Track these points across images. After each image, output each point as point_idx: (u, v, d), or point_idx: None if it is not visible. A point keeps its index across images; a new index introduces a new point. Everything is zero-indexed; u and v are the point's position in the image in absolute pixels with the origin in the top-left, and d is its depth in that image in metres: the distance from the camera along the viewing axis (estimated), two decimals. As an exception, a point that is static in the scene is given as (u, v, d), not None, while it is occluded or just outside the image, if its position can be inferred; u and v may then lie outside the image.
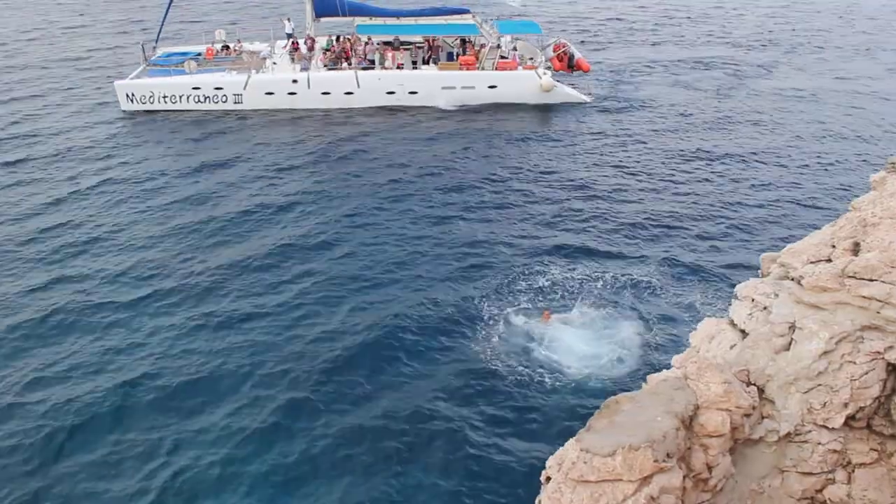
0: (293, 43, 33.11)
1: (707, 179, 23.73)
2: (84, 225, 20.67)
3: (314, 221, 20.88)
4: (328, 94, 30.70)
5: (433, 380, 14.26)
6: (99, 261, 18.72)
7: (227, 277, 17.93)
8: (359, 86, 30.60)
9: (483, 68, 31.19)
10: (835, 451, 6.11)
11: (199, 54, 32.73)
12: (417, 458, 12.39)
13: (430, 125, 29.14)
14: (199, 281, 17.72)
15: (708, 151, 26.13)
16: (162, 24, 32.35)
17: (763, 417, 6.21)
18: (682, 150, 26.27)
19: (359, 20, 33.37)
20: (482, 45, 32.03)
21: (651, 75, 35.72)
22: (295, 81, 30.47)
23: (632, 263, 18.33)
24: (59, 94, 32.44)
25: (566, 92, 31.48)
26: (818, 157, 25.67)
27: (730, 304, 7.67)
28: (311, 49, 32.85)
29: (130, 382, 14.09)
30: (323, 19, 34.20)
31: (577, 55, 33.37)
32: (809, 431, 6.10)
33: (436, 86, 30.88)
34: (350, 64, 31.35)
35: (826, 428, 6.12)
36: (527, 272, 17.87)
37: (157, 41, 32.55)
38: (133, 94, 30.34)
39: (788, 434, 6.11)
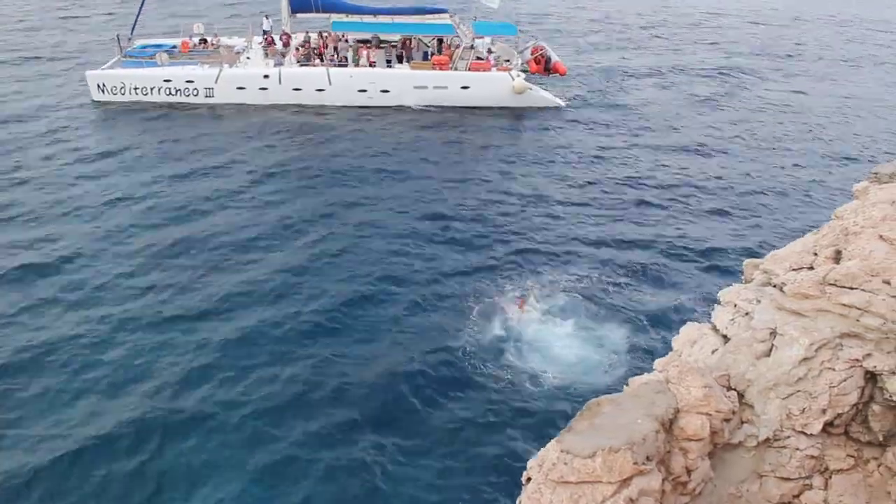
0: (267, 38, 32.92)
1: (689, 185, 23.86)
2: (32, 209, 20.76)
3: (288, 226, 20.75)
4: (299, 90, 30.56)
5: (411, 380, 14.24)
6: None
7: (184, 270, 17.98)
8: (330, 83, 30.45)
9: (456, 68, 30.99)
10: (812, 457, 6.16)
11: (175, 47, 32.56)
12: (397, 458, 12.38)
13: (400, 125, 28.91)
14: (174, 276, 17.66)
15: (689, 157, 26.30)
16: (137, 16, 32.05)
17: (742, 422, 6.26)
18: (662, 156, 26.37)
19: (335, 17, 33.05)
20: (457, 46, 31.82)
21: (634, 80, 35.62)
22: (266, 77, 30.35)
23: (614, 268, 18.42)
24: (33, 82, 32.07)
25: (540, 95, 31.22)
26: (802, 165, 25.94)
27: (712, 310, 7.73)
28: (286, 45, 32.67)
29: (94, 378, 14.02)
30: (299, 15, 33.79)
31: (555, 58, 33.18)
32: (788, 437, 6.15)
33: (408, 85, 30.70)
34: (322, 61, 31.10)
35: (804, 434, 6.17)
36: (509, 275, 17.92)
37: (132, 32, 32.22)
38: (104, 85, 30.18)
39: (767, 439, 6.16)
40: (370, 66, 31.28)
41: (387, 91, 30.69)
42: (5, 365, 14.25)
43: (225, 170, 24.06)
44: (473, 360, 14.70)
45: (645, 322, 15.96)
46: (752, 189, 23.66)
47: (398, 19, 33.37)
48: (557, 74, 32.97)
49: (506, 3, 48.80)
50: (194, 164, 24.38)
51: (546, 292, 17.03)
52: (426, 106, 30.57)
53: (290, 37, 33.33)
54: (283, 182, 23.33)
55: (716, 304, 7.63)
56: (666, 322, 15.89)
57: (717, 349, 6.94)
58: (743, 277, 8.21)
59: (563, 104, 31.29)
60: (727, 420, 5.96)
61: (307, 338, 15.37)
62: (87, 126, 27.75)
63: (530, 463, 5.71)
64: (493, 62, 31.57)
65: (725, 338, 7.03)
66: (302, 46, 32.18)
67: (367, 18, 33.40)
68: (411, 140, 27.39)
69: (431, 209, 21.63)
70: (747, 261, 8.35)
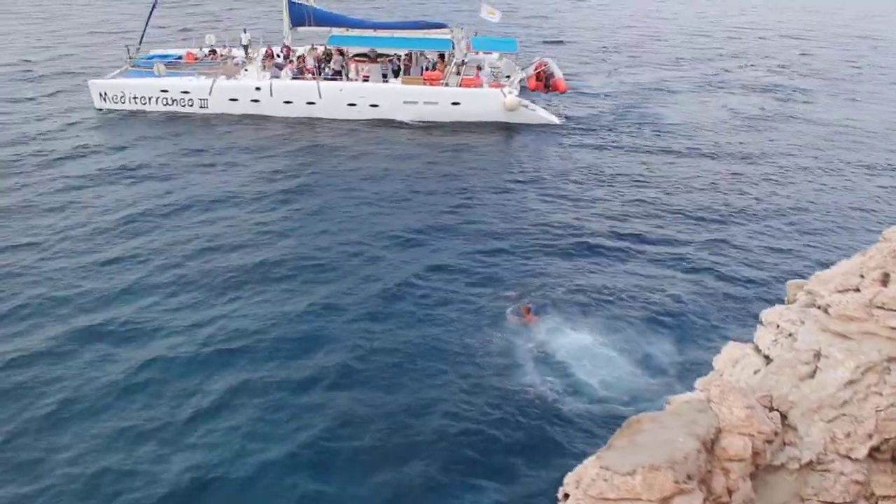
0: (267, 50, 33.54)
1: (729, 203, 23.56)
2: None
3: (292, 232, 21.28)
4: (290, 103, 30.87)
5: (441, 395, 14.24)
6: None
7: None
8: (320, 96, 30.68)
9: (447, 84, 30.88)
10: (857, 482, 6.04)
11: (180, 58, 33.56)
12: (417, 480, 12.37)
13: (391, 140, 29.04)
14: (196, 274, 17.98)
15: (727, 173, 25.94)
16: (146, 27, 33.09)
17: (785, 444, 6.17)
18: (690, 170, 26.05)
19: (335, 31, 33.40)
20: (459, 61, 31.85)
21: (646, 99, 34.96)
22: (258, 89, 30.87)
23: (654, 283, 18.26)
24: (42, 86, 33.71)
25: (532, 113, 30.65)
26: (849, 187, 25.41)
27: (753, 330, 7.64)
28: (286, 58, 33.19)
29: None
30: (300, 29, 34.30)
31: (558, 75, 32.92)
32: (832, 461, 6.04)
33: (398, 100, 30.65)
34: (314, 74, 31.40)
35: (849, 458, 6.06)
36: (543, 286, 17.88)
37: (140, 42, 33.13)
38: (106, 94, 31.24)
39: (810, 462, 6.06)
40: (363, 80, 31.34)
41: (376, 105, 30.72)
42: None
43: (221, 179, 24.66)
44: (491, 374, 14.69)
45: (682, 341, 15.79)
46: (795, 208, 23.29)
47: (398, 34, 33.53)
48: (556, 91, 32.68)
49: (523, 18, 48.92)
50: (182, 171, 25.18)
51: (587, 307, 16.94)
52: (417, 121, 30.49)
53: (290, 50, 33.87)
54: (280, 197, 23.66)
55: (758, 325, 7.55)
56: (704, 341, 15.70)
57: (759, 370, 6.86)
58: (786, 298, 8.11)
59: (557, 122, 30.62)
60: (769, 441, 5.88)
61: (304, 356, 15.33)
62: (89, 132, 28.94)
63: (567, 479, 5.70)
64: (484, 78, 31.21)
65: (768, 358, 6.95)
66: (298, 59, 32.74)
67: (367, 33, 33.68)
68: (403, 155, 27.51)
69: (427, 221, 21.75)
70: (790, 281, 8.24)
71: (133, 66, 32.42)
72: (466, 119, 30.48)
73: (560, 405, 13.70)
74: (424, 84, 30.95)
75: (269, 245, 19.85)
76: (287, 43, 34.26)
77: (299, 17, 33.39)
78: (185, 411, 13.50)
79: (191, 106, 31.01)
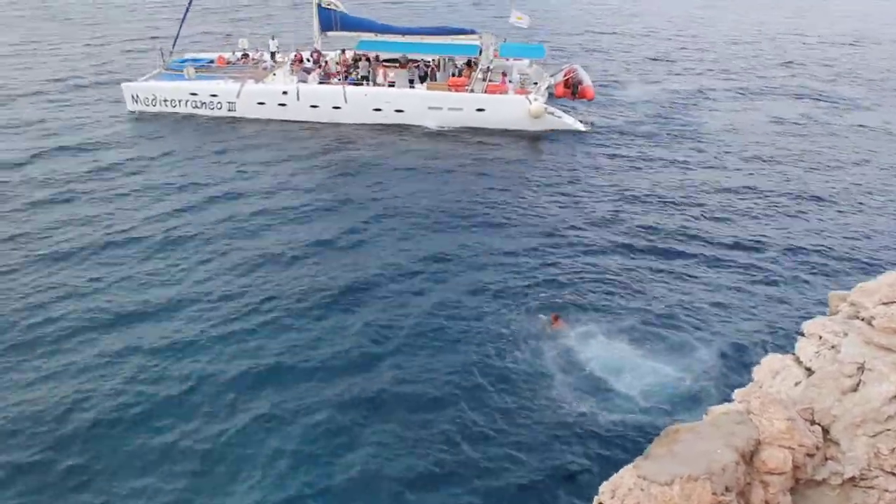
0: (296, 55, 34.00)
1: (764, 213, 23.08)
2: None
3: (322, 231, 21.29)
4: (316, 107, 31.11)
5: (474, 399, 14.15)
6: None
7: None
8: (346, 101, 30.81)
9: (473, 90, 30.78)
10: (902, 500, 5.91)
11: (212, 61, 34.23)
12: (466, 477, 12.39)
13: (417, 146, 28.96)
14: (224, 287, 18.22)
15: (763, 182, 25.37)
16: (179, 30, 33.70)
17: (827, 459, 6.06)
18: (724, 179, 25.59)
19: (364, 36, 33.53)
20: (485, 68, 31.56)
21: (682, 107, 34.09)
22: (285, 93, 31.13)
23: (688, 293, 18.04)
24: (81, 90, 34.54)
25: (558, 119, 30.26)
26: (893, 198, 24.76)
27: (795, 341, 7.52)
28: (316, 62, 33.53)
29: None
30: (330, 34, 34.40)
31: (587, 82, 32.51)
32: (876, 477, 5.92)
33: (422, 105, 30.60)
34: (341, 79, 31.65)
35: (894, 475, 5.93)
36: (574, 293, 17.79)
37: (173, 46, 33.83)
38: (137, 96, 31.97)
39: (853, 478, 5.94)
40: (389, 85, 31.53)
41: (401, 111, 30.80)
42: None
43: (246, 184, 24.77)
44: (521, 381, 14.59)
45: (720, 350, 15.53)
46: (834, 220, 22.75)
47: (426, 39, 33.45)
48: (584, 99, 32.29)
49: (559, 24, 48.48)
50: (207, 175, 25.49)
51: (624, 315, 16.82)
52: (444, 127, 30.43)
53: (321, 54, 34.22)
54: (308, 201, 23.71)
55: (799, 336, 7.43)
56: (742, 352, 15.44)
57: (800, 382, 6.75)
58: (828, 310, 7.97)
59: (583, 129, 30.14)
60: (810, 455, 5.79)
61: (333, 365, 15.27)
62: (120, 134, 29.58)
63: (603, 488, 5.67)
64: (509, 85, 31.12)
65: (809, 370, 6.84)
66: (325, 64, 33.16)
67: (396, 38, 33.70)
68: (425, 160, 27.46)
69: (455, 233, 21.54)
70: (833, 292, 8.09)
71: (166, 70, 33.07)
72: (491, 126, 30.32)
73: (591, 414, 13.55)
74: (449, 90, 30.75)
75: (303, 260, 19.78)
76: (317, 47, 34.61)
77: (328, 22, 33.76)
78: (231, 427, 13.41)
79: (219, 109, 31.42)
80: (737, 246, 20.64)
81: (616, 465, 5.93)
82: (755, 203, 23.72)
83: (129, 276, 18.52)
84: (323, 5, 33.57)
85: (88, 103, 32.76)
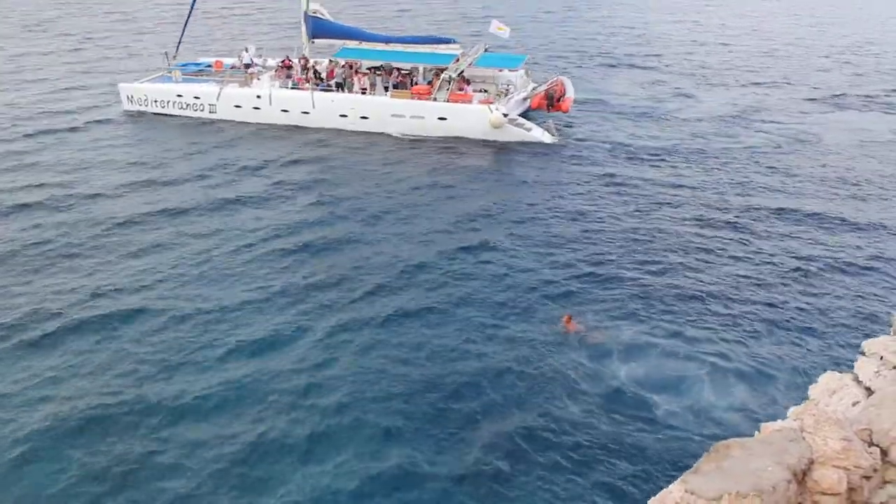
0: (283, 61, 34.92)
1: (817, 225, 22.39)
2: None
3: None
4: (287, 111, 32.14)
5: (511, 411, 14.00)
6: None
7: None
8: (314, 106, 31.64)
9: (436, 99, 30.65)
10: (965, 528, 5.66)
11: (210, 65, 35.78)
12: (509, 488, 12.32)
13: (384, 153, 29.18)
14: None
15: (812, 195, 24.66)
16: (182, 34, 35.47)
17: (885, 482, 5.85)
18: (760, 186, 24.95)
19: (348, 44, 34.38)
20: (448, 77, 31.41)
21: (673, 120, 33.34)
22: (259, 97, 32.36)
23: (744, 304, 17.62)
24: (85, 90, 37.02)
25: (520, 130, 29.88)
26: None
27: (853, 360, 7.31)
28: (304, 68, 34.35)
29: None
30: (318, 41, 35.51)
31: (569, 95, 32.15)
32: (937, 503, 5.68)
33: (385, 113, 30.93)
34: (313, 86, 32.41)
35: (956, 501, 5.68)
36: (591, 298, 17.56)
37: (177, 49, 35.46)
38: (132, 96, 34.11)
39: (913, 503, 5.72)
40: (361, 92, 32.01)
41: (366, 118, 31.30)
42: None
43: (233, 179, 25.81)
44: (544, 387, 14.43)
45: (773, 368, 15.13)
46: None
47: (406, 48, 34.01)
48: (559, 111, 31.98)
49: (557, 35, 47.92)
50: (185, 174, 26.50)
51: (681, 328, 16.52)
52: (407, 135, 30.56)
53: (307, 60, 35.08)
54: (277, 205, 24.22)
55: (858, 355, 7.22)
56: (796, 369, 15.00)
57: (858, 401, 6.55)
58: (891, 329, 7.73)
59: (549, 140, 29.70)
60: (867, 477, 5.60)
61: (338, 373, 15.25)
62: (115, 132, 31.35)
63: (650, 502, 5.60)
64: (475, 94, 30.96)
65: (868, 390, 6.63)
66: (310, 70, 34.13)
67: (378, 46, 34.39)
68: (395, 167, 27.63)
69: (440, 240, 21.57)
70: (896, 311, 7.84)
71: (168, 72, 34.74)
72: (453, 134, 30.10)
73: (636, 429, 13.31)
74: (412, 98, 31.00)
75: (306, 258, 20.01)
76: (305, 54, 35.38)
77: (316, 29, 34.86)
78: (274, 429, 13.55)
79: (202, 111, 33.15)
80: (786, 260, 20.09)
81: (664, 482, 5.85)
82: (808, 214, 23.11)
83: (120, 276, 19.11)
84: (309, 13, 34.80)
85: (90, 102, 35.13)
